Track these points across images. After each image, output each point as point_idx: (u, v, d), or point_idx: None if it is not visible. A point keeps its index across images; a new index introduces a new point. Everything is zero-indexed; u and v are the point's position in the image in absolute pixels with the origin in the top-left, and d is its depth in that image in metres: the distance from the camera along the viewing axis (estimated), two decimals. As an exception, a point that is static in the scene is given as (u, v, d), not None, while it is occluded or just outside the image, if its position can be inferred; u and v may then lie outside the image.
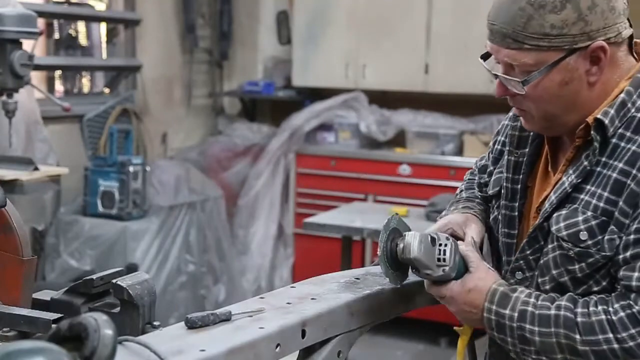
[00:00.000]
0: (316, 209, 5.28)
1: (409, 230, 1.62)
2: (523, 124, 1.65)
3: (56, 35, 5.38)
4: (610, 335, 1.44)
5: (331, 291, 1.61)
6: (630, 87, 1.54)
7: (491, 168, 1.79)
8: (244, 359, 1.31)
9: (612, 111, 1.52)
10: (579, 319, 1.47)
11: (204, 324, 1.36)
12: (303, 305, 1.51)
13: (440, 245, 1.57)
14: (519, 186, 1.68)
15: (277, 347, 1.37)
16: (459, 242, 1.62)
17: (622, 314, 1.44)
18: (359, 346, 1.68)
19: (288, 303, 1.52)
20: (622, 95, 1.53)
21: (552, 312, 1.49)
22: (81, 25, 5.56)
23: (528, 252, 1.62)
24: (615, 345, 1.43)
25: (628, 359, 1.43)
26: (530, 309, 1.51)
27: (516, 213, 1.68)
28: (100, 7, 5.63)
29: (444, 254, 1.56)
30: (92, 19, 5.55)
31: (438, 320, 4.57)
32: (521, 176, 1.68)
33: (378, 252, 1.61)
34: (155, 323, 1.42)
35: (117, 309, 1.44)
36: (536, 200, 1.66)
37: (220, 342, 1.30)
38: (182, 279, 5.07)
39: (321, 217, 4.45)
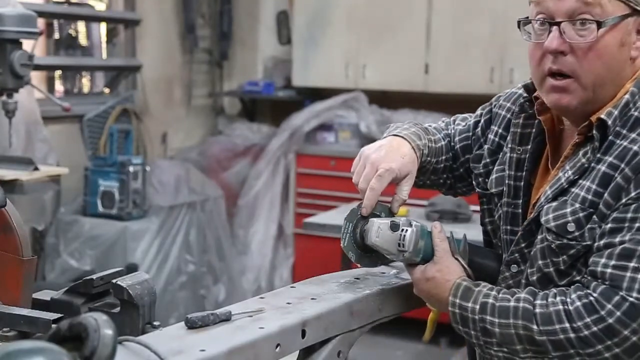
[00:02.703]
0: (316, 209, 5.28)
1: (386, 211, 1.70)
2: (556, 100, 1.57)
3: (56, 35, 5.38)
4: (567, 324, 1.45)
5: (331, 291, 1.61)
6: (634, 87, 1.55)
7: (487, 160, 1.78)
8: (244, 359, 1.31)
9: (615, 112, 1.53)
10: (537, 310, 1.49)
11: (204, 324, 1.36)
12: (303, 305, 1.51)
13: (401, 230, 1.61)
14: (522, 183, 1.68)
15: (277, 347, 1.37)
16: (435, 229, 1.65)
17: (578, 303, 1.46)
18: (359, 346, 1.68)
19: (288, 303, 1.52)
20: (627, 96, 1.54)
21: (512, 304, 1.52)
22: (81, 25, 5.57)
23: (523, 245, 1.64)
24: (572, 335, 1.45)
25: (584, 347, 1.45)
26: (491, 301, 1.54)
27: (520, 210, 1.68)
28: (100, 7, 5.63)
29: (404, 240, 1.60)
30: (92, 19, 5.56)
31: (438, 320, 4.56)
32: (524, 173, 1.69)
33: (341, 244, 1.68)
34: (155, 323, 1.42)
35: (117, 309, 1.43)
36: (534, 195, 1.67)
37: (220, 342, 1.30)
38: (182, 279, 5.07)
39: (321, 217, 4.46)
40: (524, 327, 1.49)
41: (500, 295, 1.55)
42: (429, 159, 1.78)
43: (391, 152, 1.68)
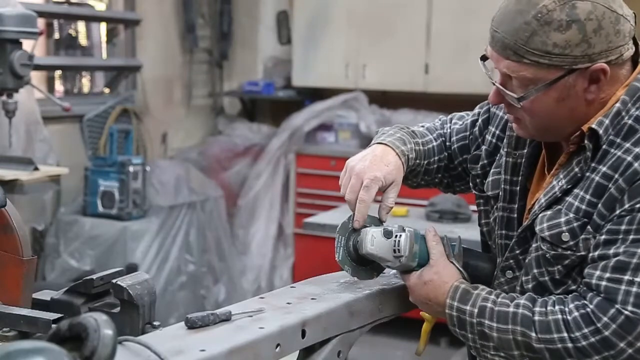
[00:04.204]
0: (316, 209, 5.28)
1: (375, 222, 1.69)
2: (516, 130, 1.64)
3: (56, 35, 5.38)
4: (565, 334, 1.46)
5: (331, 291, 1.61)
6: (625, 96, 1.53)
7: (485, 161, 1.78)
8: (244, 359, 1.31)
9: (606, 121, 1.52)
10: (536, 318, 1.49)
11: (204, 324, 1.36)
12: (303, 305, 1.51)
13: (395, 236, 1.61)
14: (518, 188, 1.68)
15: (277, 347, 1.37)
16: (429, 233, 1.66)
17: (576, 313, 1.46)
18: (359, 346, 1.68)
19: (288, 303, 1.52)
20: (618, 104, 1.53)
21: (511, 309, 1.52)
22: (81, 25, 5.56)
23: (517, 251, 1.64)
24: (569, 345, 1.45)
25: (581, 358, 1.45)
26: (489, 305, 1.54)
27: (515, 215, 1.68)
28: (100, 7, 5.63)
29: (399, 245, 1.60)
30: (92, 19, 5.55)
31: (438, 320, 4.56)
32: (520, 178, 1.68)
33: (336, 257, 1.66)
34: (155, 323, 1.42)
35: (117, 309, 1.44)
36: (529, 201, 1.66)
37: (220, 342, 1.30)
38: (182, 279, 5.07)
39: (321, 217, 4.45)
40: (522, 333, 1.49)
41: (499, 299, 1.55)
42: (417, 161, 1.79)
43: (375, 161, 1.69)
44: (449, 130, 1.88)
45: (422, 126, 1.90)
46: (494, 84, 1.57)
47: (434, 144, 1.85)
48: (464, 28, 5.21)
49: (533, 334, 1.48)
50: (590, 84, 1.50)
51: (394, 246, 1.61)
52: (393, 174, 1.69)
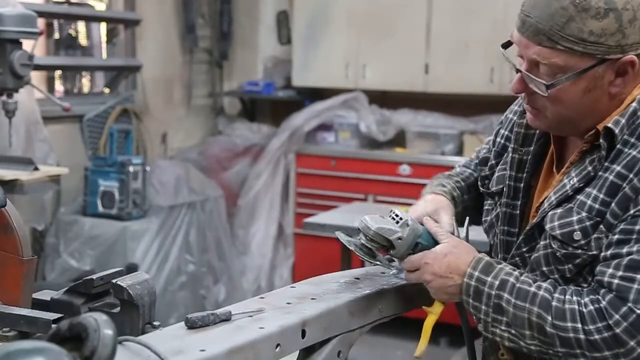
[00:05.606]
0: (316, 209, 5.28)
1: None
2: (530, 121, 1.63)
3: (56, 35, 5.38)
4: (579, 325, 1.46)
5: (331, 291, 1.61)
6: None
7: (493, 162, 1.79)
8: (244, 359, 1.31)
9: (623, 120, 1.52)
10: (554, 303, 1.50)
11: (204, 324, 1.36)
12: (303, 305, 1.51)
13: (389, 213, 1.66)
14: (522, 185, 1.68)
15: (277, 347, 1.37)
16: (427, 220, 1.69)
17: (591, 307, 1.47)
18: (359, 346, 1.68)
19: (288, 303, 1.52)
20: (634, 104, 1.53)
21: (532, 289, 1.52)
22: (81, 25, 5.56)
23: (524, 249, 1.65)
24: (582, 336, 1.46)
25: (592, 351, 1.46)
26: (512, 280, 1.54)
27: (518, 211, 1.68)
28: (100, 7, 5.63)
29: (397, 216, 1.64)
30: (92, 19, 5.55)
31: (438, 320, 4.55)
32: (525, 175, 1.68)
33: (357, 254, 1.69)
34: (155, 323, 1.42)
35: (117, 309, 1.44)
36: (537, 199, 1.66)
37: (220, 342, 1.30)
38: (182, 279, 5.07)
39: (321, 217, 4.45)
40: (538, 315, 1.49)
41: (522, 277, 1.55)
42: (464, 197, 1.88)
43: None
44: (479, 158, 1.92)
45: (459, 166, 1.97)
46: (518, 71, 1.55)
47: (475, 175, 1.90)
48: (464, 28, 5.21)
49: (549, 318, 1.48)
50: (616, 76, 1.50)
51: (394, 218, 1.64)
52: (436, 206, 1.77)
